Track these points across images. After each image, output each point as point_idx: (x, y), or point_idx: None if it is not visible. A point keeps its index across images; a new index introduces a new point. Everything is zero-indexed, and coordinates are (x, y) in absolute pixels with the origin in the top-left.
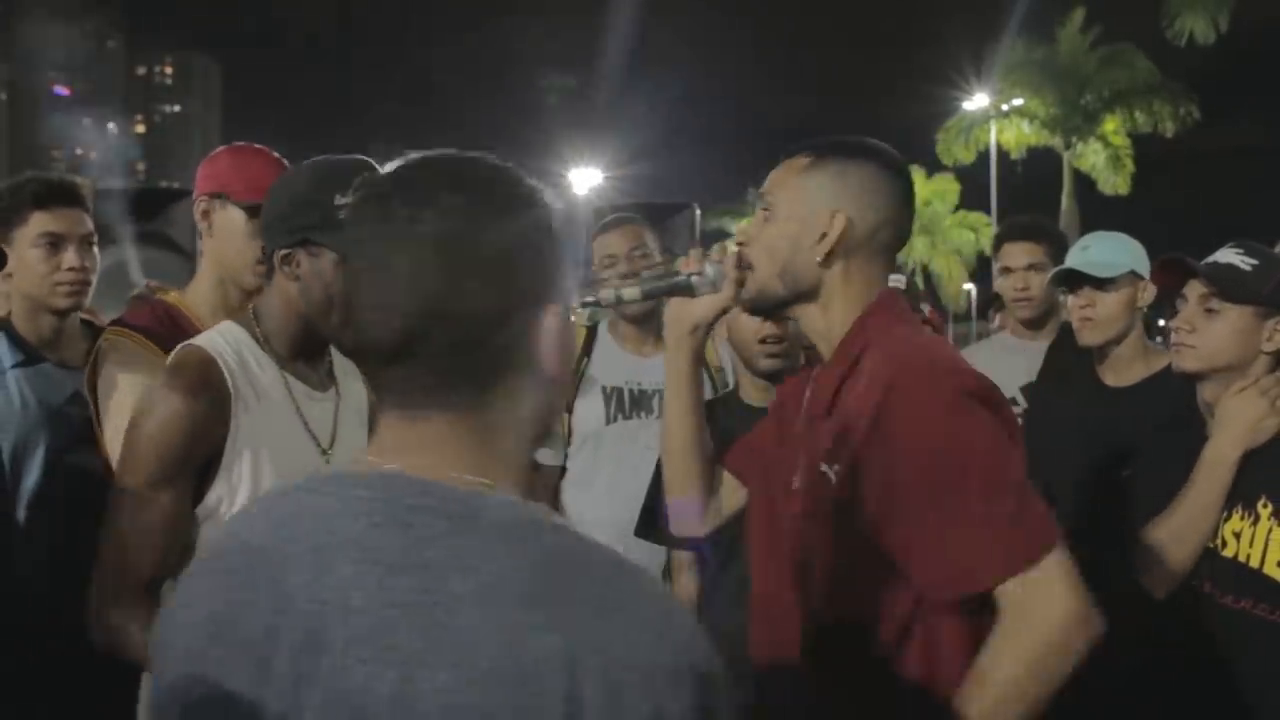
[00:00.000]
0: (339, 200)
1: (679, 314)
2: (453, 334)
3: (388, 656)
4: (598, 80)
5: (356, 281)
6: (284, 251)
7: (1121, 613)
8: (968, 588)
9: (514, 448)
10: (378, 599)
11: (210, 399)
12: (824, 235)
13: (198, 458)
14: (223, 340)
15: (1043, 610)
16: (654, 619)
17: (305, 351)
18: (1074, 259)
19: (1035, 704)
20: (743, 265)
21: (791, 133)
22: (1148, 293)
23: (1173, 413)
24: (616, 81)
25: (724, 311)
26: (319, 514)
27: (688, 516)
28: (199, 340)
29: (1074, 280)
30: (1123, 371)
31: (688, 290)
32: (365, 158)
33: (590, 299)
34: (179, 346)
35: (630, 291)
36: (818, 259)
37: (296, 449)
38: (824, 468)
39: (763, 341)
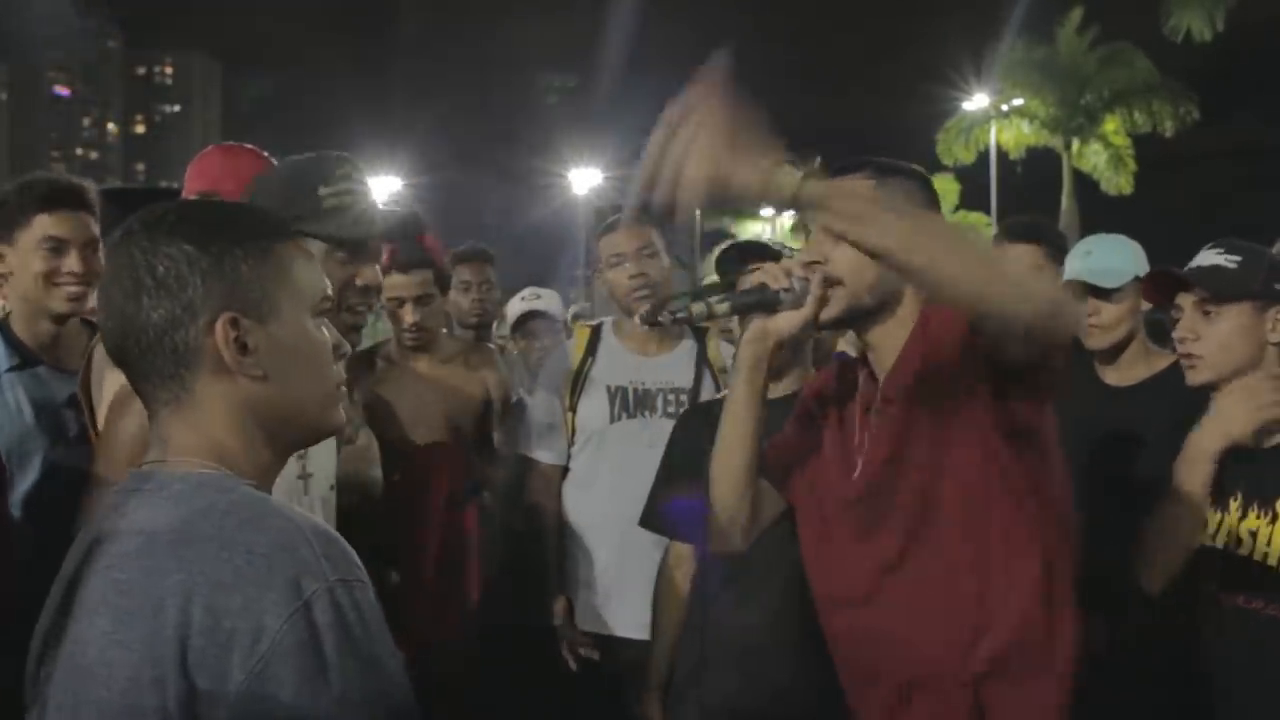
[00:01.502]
0: (321, 191)
1: (761, 331)
2: (139, 341)
3: (77, 612)
4: (598, 80)
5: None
6: None
7: (1126, 612)
8: None
9: (230, 437)
10: (86, 570)
11: None
12: None
13: None
14: None
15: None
16: (268, 552)
17: None
18: (1077, 266)
19: (1005, 284)
20: (829, 283)
21: (791, 132)
22: None
23: (1175, 412)
24: (616, 81)
25: (803, 327)
26: (101, 510)
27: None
28: None
29: (1077, 289)
30: (1125, 371)
31: (775, 306)
32: (343, 153)
33: (680, 313)
34: None
35: (722, 307)
36: None
37: None
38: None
39: None
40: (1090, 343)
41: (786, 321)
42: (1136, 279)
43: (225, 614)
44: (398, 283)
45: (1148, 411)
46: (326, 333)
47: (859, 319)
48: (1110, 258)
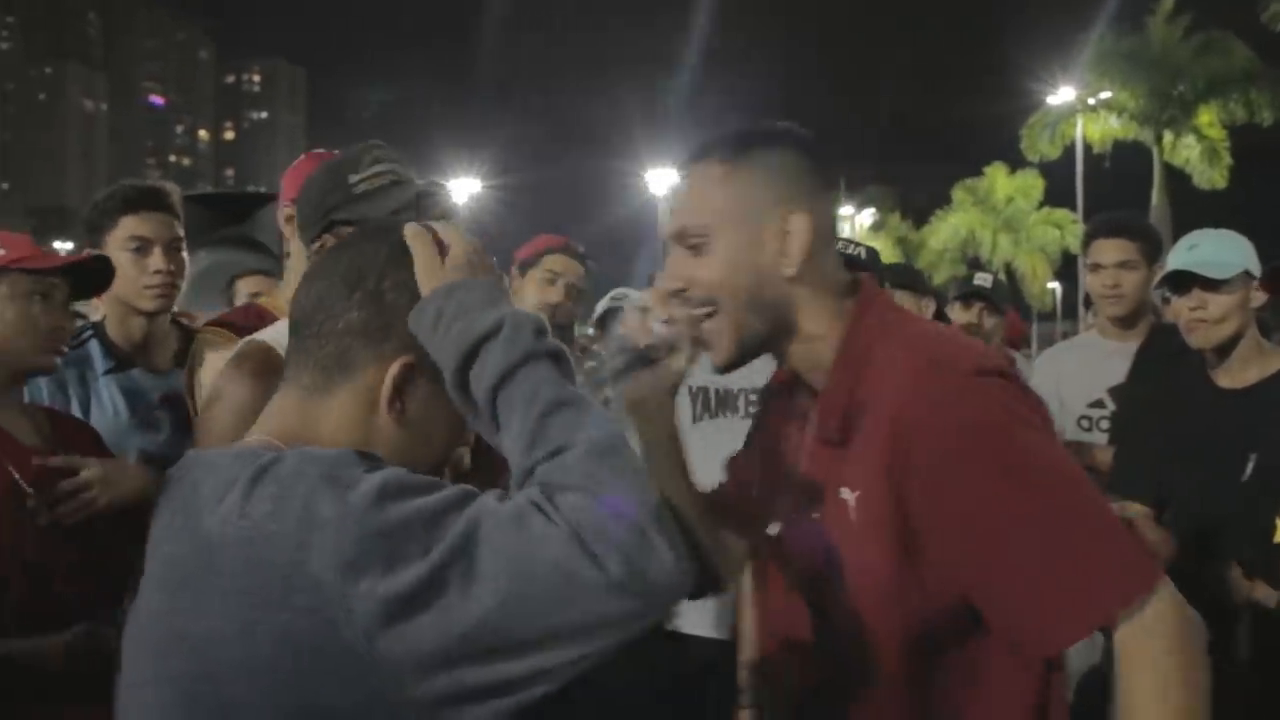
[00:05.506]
0: (352, 179)
1: (641, 394)
2: (323, 325)
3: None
4: (676, 80)
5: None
6: (315, 244)
7: (1236, 619)
8: (1068, 640)
9: (333, 441)
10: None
11: (275, 383)
12: (785, 242)
13: None
14: (280, 332)
15: (1162, 632)
16: (297, 482)
17: None
18: (1182, 259)
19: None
20: (699, 314)
21: (870, 130)
22: (1260, 293)
23: None
24: (695, 81)
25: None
26: (184, 480)
27: None
28: (258, 334)
29: (1182, 281)
30: (1237, 374)
31: (648, 363)
32: (376, 141)
33: None
34: (242, 341)
35: (605, 392)
36: (789, 272)
37: None
38: (843, 493)
39: None
40: (1195, 339)
41: (663, 375)
42: (1246, 273)
43: (290, 538)
44: None
45: (1264, 415)
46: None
47: (760, 346)
48: (1218, 251)
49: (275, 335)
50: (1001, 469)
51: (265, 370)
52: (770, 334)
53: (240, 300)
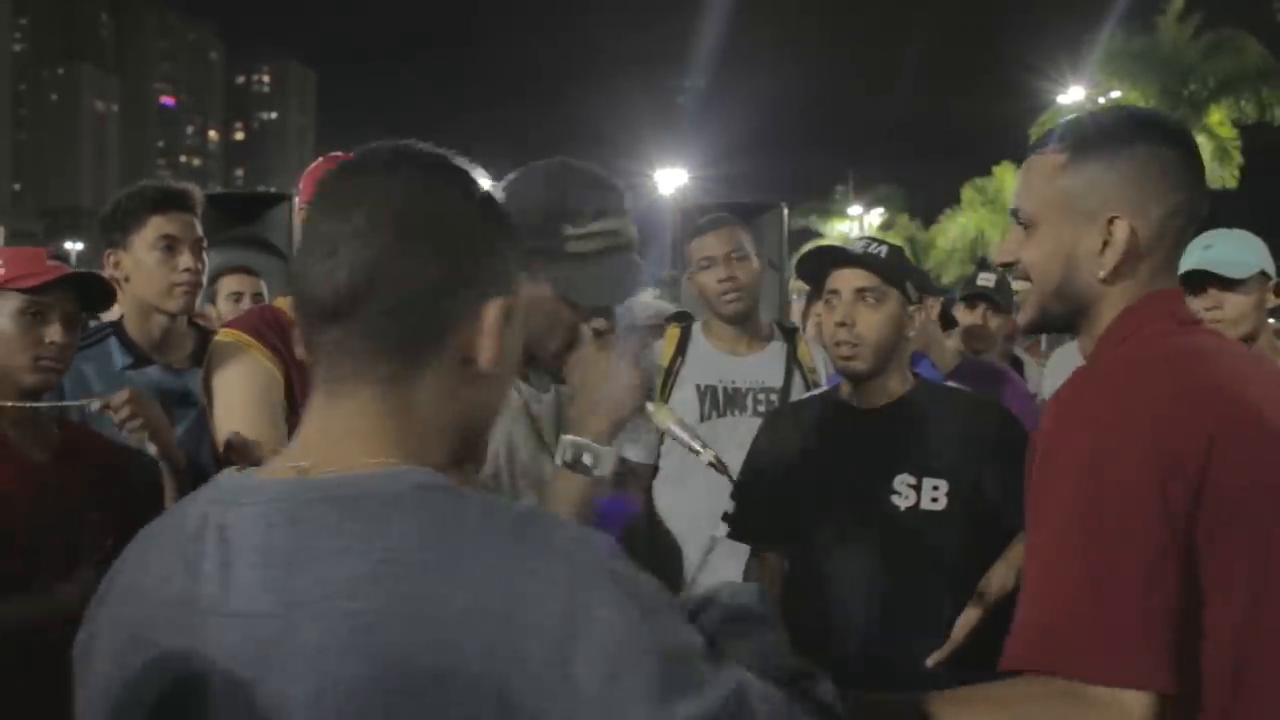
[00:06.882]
0: (568, 231)
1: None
2: (390, 295)
3: (299, 659)
4: (686, 79)
5: (313, 240)
6: None
7: None
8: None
9: (436, 436)
10: (281, 601)
11: None
12: (1104, 247)
13: None
14: None
15: None
16: (561, 565)
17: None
18: (1198, 258)
19: None
20: (1019, 286)
21: (879, 130)
22: (1276, 296)
23: None
24: (704, 81)
25: None
26: (224, 525)
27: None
28: None
29: (1197, 281)
30: None
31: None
32: (605, 178)
33: None
34: None
35: None
36: (1101, 275)
37: (527, 444)
38: None
39: (837, 345)
40: None
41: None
42: (1262, 274)
43: (527, 636)
44: None
45: None
46: None
47: (1057, 323)
48: (1233, 250)
49: None
50: (1054, 478)
51: None
52: (1070, 318)
53: (222, 299)
